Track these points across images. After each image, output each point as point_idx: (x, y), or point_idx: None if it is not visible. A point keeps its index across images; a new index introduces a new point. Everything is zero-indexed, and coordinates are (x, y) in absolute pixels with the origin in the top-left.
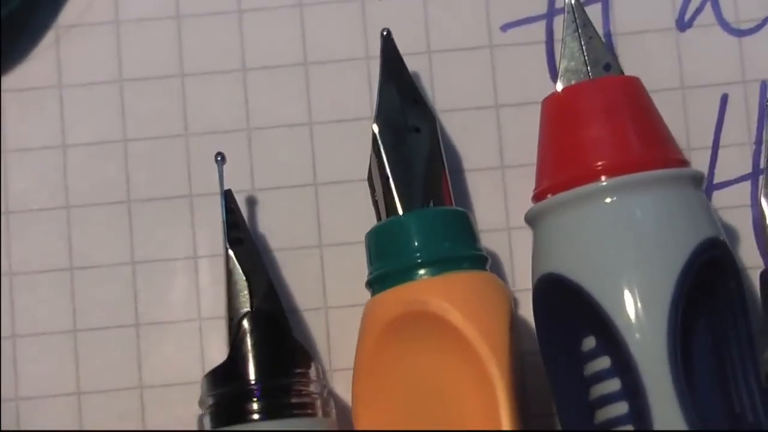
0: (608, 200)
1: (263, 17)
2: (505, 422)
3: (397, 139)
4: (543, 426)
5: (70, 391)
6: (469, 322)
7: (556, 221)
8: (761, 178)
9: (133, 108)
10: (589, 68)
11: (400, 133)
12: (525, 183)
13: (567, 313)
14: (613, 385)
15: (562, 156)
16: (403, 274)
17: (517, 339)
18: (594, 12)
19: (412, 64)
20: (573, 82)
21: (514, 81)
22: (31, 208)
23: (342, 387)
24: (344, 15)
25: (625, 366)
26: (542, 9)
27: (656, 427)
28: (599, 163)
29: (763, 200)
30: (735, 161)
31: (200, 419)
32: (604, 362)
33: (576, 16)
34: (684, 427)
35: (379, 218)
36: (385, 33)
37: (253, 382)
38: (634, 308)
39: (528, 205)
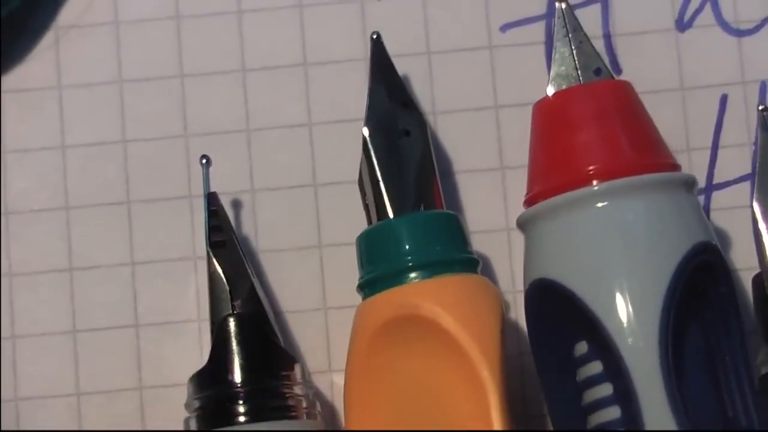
0: (600, 205)
1: (263, 18)
2: (497, 425)
3: (388, 142)
4: (541, 427)
5: (70, 391)
6: (460, 326)
7: (548, 226)
8: (753, 182)
9: (132, 109)
10: (579, 73)
11: (391, 137)
12: (524, 184)
13: (559, 317)
14: (605, 389)
15: (554, 161)
16: (395, 277)
17: (506, 342)
18: (593, 12)
19: (411, 64)
20: (564, 87)
21: (513, 82)
22: (31, 208)
23: (342, 387)
24: (344, 16)
25: (616, 371)
26: (541, 9)
27: None
28: (590, 168)
29: (755, 204)
30: (734, 162)
31: (186, 422)
32: (596, 367)
33: (566, 20)
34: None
35: (370, 222)
36: (374, 36)
37: (232, 386)
38: (626, 313)
39: None
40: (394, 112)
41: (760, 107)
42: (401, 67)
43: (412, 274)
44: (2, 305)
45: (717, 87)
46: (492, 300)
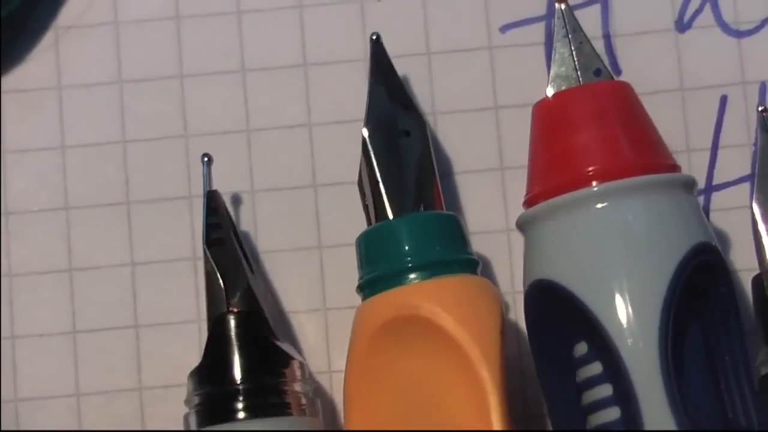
0: (599, 205)
1: (263, 18)
2: (497, 425)
3: (387, 143)
4: (541, 427)
5: (70, 392)
6: (460, 326)
7: (547, 227)
8: (753, 183)
9: (132, 109)
10: (579, 74)
11: (390, 138)
12: (524, 185)
13: (558, 318)
14: (605, 390)
15: (553, 161)
16: (394, 278)
17: (506, 342)
18: (593, 13)
19: (411, 65)
20: (563, 88)
21: (513, 82)
22: (31, 208)
23: (342, 388)
24: (344, 16)
25: (616, 371)
26: (541, 10)
27: None
28: (590, 169)
29: (754, 205)
30: (734, 162)
31: (186, 418)
32: (595, 368)
33: (566, 21)
34: None
35: (369, 223)
36: (374, 37)
37: (229, 383)
38: (625, 314)
39: None
40: (393, 112)
41: (760, 108)
42: (401, 67)
43: (412, 275)
44: (2, 305)
45: (717, 88)
46: (492, 301)
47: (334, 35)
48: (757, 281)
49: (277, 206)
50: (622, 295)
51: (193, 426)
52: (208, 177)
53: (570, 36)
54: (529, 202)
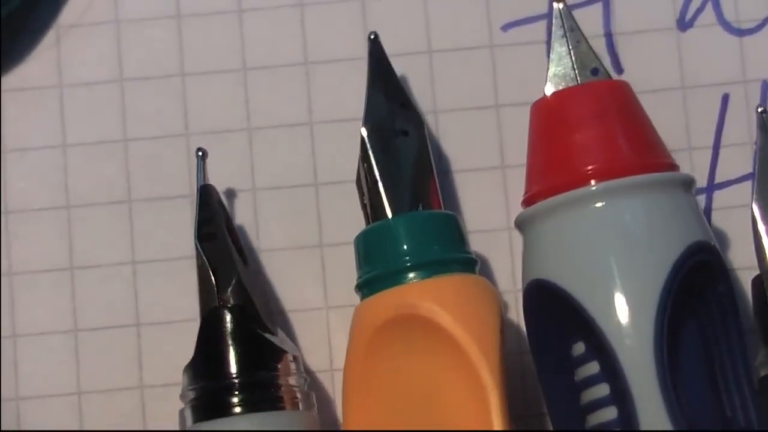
0: (597, 204)
1: (263, 17)
2: (497, 424)
3: (386, 142)
4: (541, 426)
5: (71, 391)
6: (459, 325)
7: (546, 226)
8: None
9: (133, 107)
10: (576, 73)
11: (389, 137)
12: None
13: (556, 318)
14: (603, 390)
15: (551, 161)
16: (393, 277)
17: (506, 341)
18: (595, 12)
19: (412, 63)
20: (561, 87)
21: (514, 81)
22: (32, 207)
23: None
24: (345, 14)
25: (612, 371)
26: (543, 9)
27: None
28: (588, 168)
29: (754, 206)
30: (736, 161)
31: (181, 412)
32: (593, 368)
33: (564, 20)
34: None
35: (368, 222)
36: (372, 36)
37: (223, 377)
38: (621, 313)
39: None
40: (392, 112)
41: (760, 109)
42: (402, 66)
43: (411, 274)
44: (3, 304)
45: (718, 86)
46: (490, 299)
47: (335, 33)
48: (756, 282)
49: (278, 204)
50: (617, 294)
51: (188, 421)
52: (202, 171)
53: (568, 35)
54: (527, 202)
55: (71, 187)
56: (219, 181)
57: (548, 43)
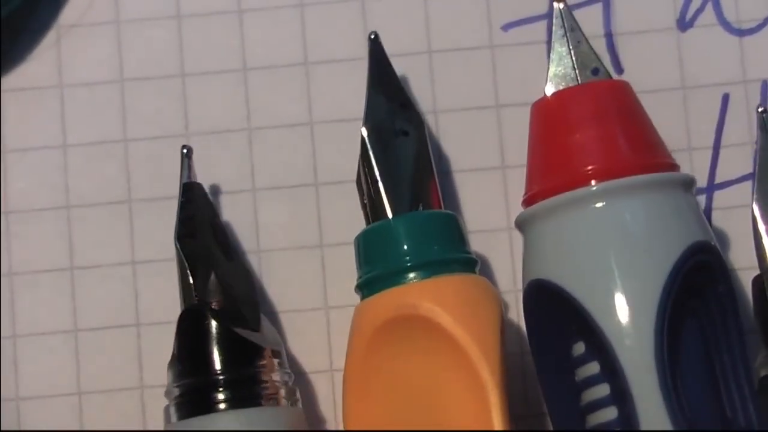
0: (598, 205)
1: (263, 17)
2: (497, 424)
3: (386, 142)
4: (541, 426)
5: (71, 391)
6: (459, 325)
7: (545, 226)
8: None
9: (133, 108)
10: (577, 73)
11: (389, 137)
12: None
13: (556, 318)
14: (603, 390)
15: (551, 161)
16: (393, 277)
17: (507, 341)
18: (595, 12)
19: (412, 63)
20: (562, 87)
21: (515, 81)
22: (32, 207)
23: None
24: (345, 15)
25: (612, 371)
26: (543, 9)
27: None
28: (589, 168)
29: (755, 206)
30: (736, 161)
31: (166, 409)
32: (593, 368)
33: (564, 20)
34: None
35: (368, 222)
36: (372, 36)
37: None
38: (621, 313)
39: None
40: (392, 112)
41: (760, 109)
42: (402, 66)
43: (411, 274)
44: (3, 305)
45: (718, 86)
46: (491, 299)
47: (335, 33)
48: (756, 282)
49: (278, 205)
50: (617, 294)
51: (173, 418)
52: (187, 169)
53: (568, 35)
54: (527, 202)
55: (71, 188)
56: (219, 181)
57: (548, 43)
